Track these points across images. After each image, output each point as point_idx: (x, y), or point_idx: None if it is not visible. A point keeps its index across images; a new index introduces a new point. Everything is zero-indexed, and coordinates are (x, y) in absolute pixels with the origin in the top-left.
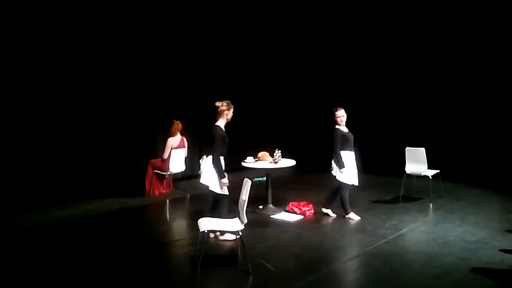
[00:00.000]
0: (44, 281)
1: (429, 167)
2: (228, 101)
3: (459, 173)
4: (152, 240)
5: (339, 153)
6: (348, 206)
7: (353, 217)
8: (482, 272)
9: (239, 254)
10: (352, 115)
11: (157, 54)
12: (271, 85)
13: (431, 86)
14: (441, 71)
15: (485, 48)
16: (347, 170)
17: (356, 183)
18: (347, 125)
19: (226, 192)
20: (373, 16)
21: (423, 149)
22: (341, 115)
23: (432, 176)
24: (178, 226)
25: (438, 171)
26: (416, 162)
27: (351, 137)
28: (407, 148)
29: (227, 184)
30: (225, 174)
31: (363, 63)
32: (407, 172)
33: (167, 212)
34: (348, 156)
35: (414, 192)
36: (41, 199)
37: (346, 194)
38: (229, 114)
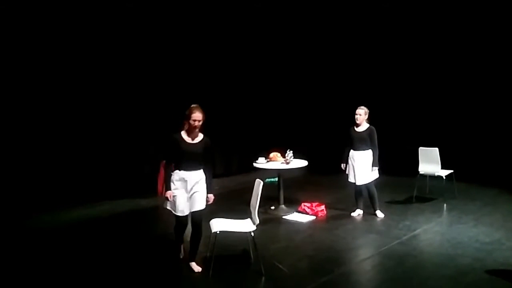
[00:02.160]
0: (57, 282)
1: (443, 167)
2: (193, 105)
3: (473, 173)
4: (164, 241)
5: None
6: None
7: (380, 214)
8: (498, 273)
9: (252, 255)
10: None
11: (170, 55)
12: (282, 86)
13: (445, 86)
14: (456, 70)
15: (500, 48)
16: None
17: (353, 180)
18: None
19: (167, 207)
20: (388, 15)
21: (437, 149)
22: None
23: (445, 176)
24: (190, 227)
25: (452, 171)
26: (430, 162)
27: (357, 136)
28: (420, 148)
29: (169, 199)
30: (170, 186)
31: (376, 63)
32: (420, 172)
33: None
34: (352, 154)
35: (427, 192)
36: (54, 201)
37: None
38: (190, 118)
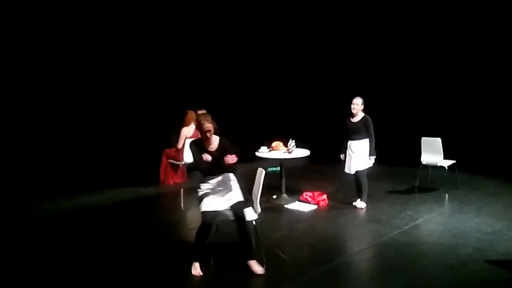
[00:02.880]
0: (59, 269)
1: (445, 158)
2: (200, 114)
3: (475, 164)
4: (167, 229)
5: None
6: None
7: (360, 205)
8: (498, 264)
9: (253, 243)
10: (367, 104)
11: (172, 43)
12: (285, 75)
13: (447, 75)
14: (459, 61)
15: (502, 38)
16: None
17: (348, 171)
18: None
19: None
20: (390, 4)
21: (439, 139)
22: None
23: (448, 166)
24: (193, 215)
25: (454, 161)
26: (432, 153)
27: (353, 126)
28: (423, 138)
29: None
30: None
31: (378, 52)
32: (422, 163)
33: (182, 201)
34: (349, 145)
35: (429, 182)
36: (56, 189)
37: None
38: (202, 130)
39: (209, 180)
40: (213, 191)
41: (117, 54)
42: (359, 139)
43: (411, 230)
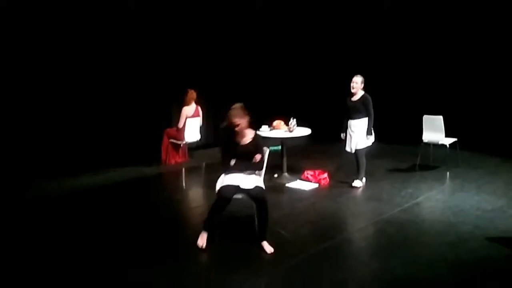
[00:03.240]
0: (62, 248)
1: (447, 136)
2: (233, 107)
3: (477, 142)
4: (169, 208)
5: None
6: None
7: (357, 184)
8: (498, 241)
9: (256, 221)
10: (368, 82)
11: (172, 23)
12: (286, 54)
13: (449, 52)
14: (459, 37)
15: (503, 14)
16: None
17: (348, 149)
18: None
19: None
20: None
21: (441, 117)
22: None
23: (449, 144)
24: (195, 194)
25: (456, 139)
26: (434, 131)
27: (352, 105)
28: (424, 116)
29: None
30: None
31: (378, 30)
32: (424, 141)
33: (183, 180)
34: (349, 124)
35: (431, 160)
36: (58, 169)
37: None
38: (232, 124)
39: (235, 172)
40: (234, 175)
41: (119, 34)
42: (359, 118)
43: (411, 208)
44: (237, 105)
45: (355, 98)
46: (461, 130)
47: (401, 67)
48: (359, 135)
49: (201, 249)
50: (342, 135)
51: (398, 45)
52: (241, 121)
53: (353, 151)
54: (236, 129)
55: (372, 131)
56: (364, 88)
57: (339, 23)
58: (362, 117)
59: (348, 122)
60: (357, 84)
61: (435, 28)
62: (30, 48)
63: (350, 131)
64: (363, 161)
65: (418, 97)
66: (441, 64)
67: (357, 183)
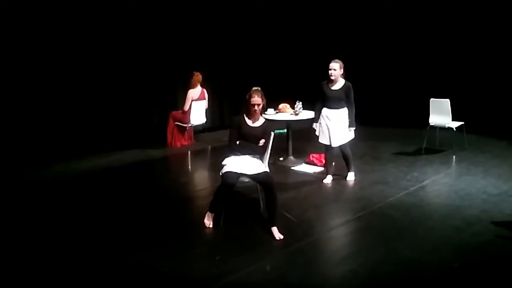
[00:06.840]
0: (69, 230)
1: (453, 119)
2: (253, 88)
3: (483, 125)
4: (175, 191)
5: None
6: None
7: (352, 177)
8: (504, 225)
9: (261, 204)
10: (375, 66)
11: (178, 5)
12: (291, 36)
13: (456, 36)
14: (467, 20)
15: None
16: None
17: (326, 142)
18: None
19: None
20: None
21: (448, 100)
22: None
23: (456, 128)
24: (200, 177)
25: (463, 123)
26: (440, 114)
27: (332, 94)
28: (431, 100)
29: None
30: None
31: (384, 12)
32: (430, 124)
33: (189, 163)
34: (326, 113)
35: (437, 144)
36: (65, 151)
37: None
38: (250, 103)
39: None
40: (238, 159)
41: (125, 16)
42: (338, 108)
43: (417, 191)
44: (258, 88)
45: (335, 86)
46: (468, 113)
47: (408, 50)
48: (340, 127)
49: (207, 228)
50: (314, 125)
51: (405, 28)
52: (261, 101)
53: (334, 145)
54: (255, 108)
55: (354, 123)
56: (344, 75)
57: (346, 6)
58: (342, 107)
59: (324, 111)
60: (336, 71)
61: (443, 11)
62: (38, 33)
63: (326, 120)
64: (349, 152)
65: (425, 80)
66: (448, 47)
67: (351, 175)
